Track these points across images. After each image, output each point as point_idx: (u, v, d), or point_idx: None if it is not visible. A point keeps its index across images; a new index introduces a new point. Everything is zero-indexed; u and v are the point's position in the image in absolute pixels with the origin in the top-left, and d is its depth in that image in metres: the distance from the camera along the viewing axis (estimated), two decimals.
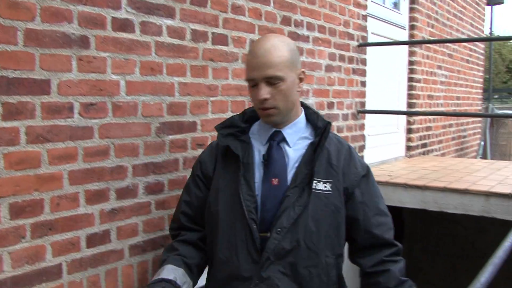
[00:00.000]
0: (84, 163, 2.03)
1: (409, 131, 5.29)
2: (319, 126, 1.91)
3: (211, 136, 2.64)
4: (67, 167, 1.96)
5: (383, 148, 4.82)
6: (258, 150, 1.92)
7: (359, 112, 4.11)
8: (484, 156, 7.23)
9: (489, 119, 6.60)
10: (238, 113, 2.03)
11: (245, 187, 1.84)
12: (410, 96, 5.28)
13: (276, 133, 1.91)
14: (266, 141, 1.93)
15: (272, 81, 1.78)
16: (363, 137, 4.22)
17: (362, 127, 4.20)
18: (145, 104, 2.27)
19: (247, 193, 1.83)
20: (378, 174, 4.13)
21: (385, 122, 4.88)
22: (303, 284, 1.81)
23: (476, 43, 7.29)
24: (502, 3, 10.83)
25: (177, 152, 2.45)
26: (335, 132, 3.81)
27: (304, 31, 3.37)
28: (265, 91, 1.79)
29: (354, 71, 4.04)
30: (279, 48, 1.80)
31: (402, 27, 5.15)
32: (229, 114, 2.74)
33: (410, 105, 5.27)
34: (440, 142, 6.10)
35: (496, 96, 19.50)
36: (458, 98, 6.64)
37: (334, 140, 1.95)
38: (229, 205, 1.87)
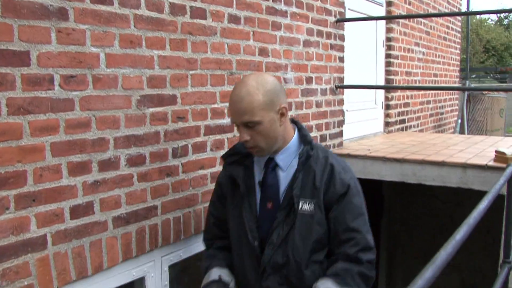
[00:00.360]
0: (66, 135, 2.04)
1: (388, 107, 5.37)
2: (304, 151, 2.09)
3: (191, 109, 2.66)
4: (49, 138, 1.98)
5: (362, 124, 4.90)
6: (258, 173, 2.15)
7: (337, 87, 4.15)
8: (461, 132, 7.37)
9: (466, 96, 6.71)
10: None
11: (248, 210, 2.12)
12: (388, 72, 5.35)
13: (270, 159, 2.12)
14: (263, 166, 2.13)
15: (250, 124, 1.98)
16: (342, 112, 4.28)
17: (341, 102, 4.25)
18: (125, 77, 2.28)
19: (250, 215, 2.11)
20: (357, 148, 4.20)
21: (364, 98, 4.95)
22: None
23: (453, 21, 7.37)
24: None
25: (158, 125, 2.48)
26: (315, 107, 3.86)
27: (282, 6, 3.40)
28: (244, 134, 2.01)
29: (332, 47, 4.08)
30: (254, 93, 1.97)
31: (380, 4, 5.20)
32: (208, 88, 2.77)
33: (388, 81, 5.34)
34: (418, 118, 6.19)
35: (473, 76, 19.75)
36: (435, 75, 6.73)
37: (322, 160, 2.10)
38: (237, 223, 2.16)
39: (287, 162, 2.11)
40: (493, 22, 45.97)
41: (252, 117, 1.96)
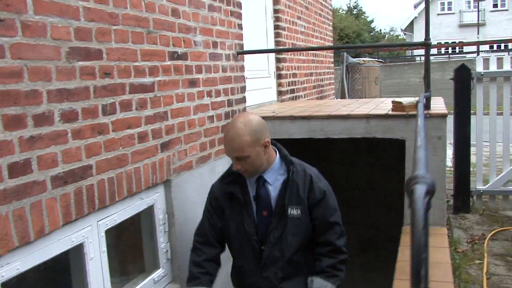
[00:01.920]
0: None
1: (279, 76, 5.57)
2: (288, 166, 2.66)
3: (116, 65, 2.56)
4: None
5: (259, 92, 5.02)
6: (251, 189, 2.69)
7: (238, 53, 4.22)
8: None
9: (345, 67, 7.18)
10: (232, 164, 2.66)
11: (247, 219, 2.67)
12: (277, 43, 5.54)
13: (259, 177, 2.67)
14: (255, 181, 2.68)
15: (240, 158, 2.52)
16: (243, 78, 4.36)
17: (242, 68, 4.33)
18: (54, 26, 2.13)
19: (249, 223, 2.67)
20: (261, 113, 4.31)
21: (258, 67, 5.08)
22: (290, 278, 2.67)
23: None
24: None
25: (88, 79, 2.35)
26: (221, 72, 3.89)
27: None
28: (237, 165, 2.56)
29: (232, 13, 4.14)
30: (242, 135, 2.49)
31: None
32: (130, 45, 2.68)
33: (278, 55, 5.53)
34: (304, 89, 6.49)
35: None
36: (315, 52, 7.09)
37: (301, 173, 2.65)
38: (237, 230, 2.71)
39: (274, 178, 2.67)
40: (344, 12, 49.22)
41: (241, 153, 2.51)
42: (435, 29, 35.01)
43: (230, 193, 2.71)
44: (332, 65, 8.22)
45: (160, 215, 3.07)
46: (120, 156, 2.58)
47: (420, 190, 1.32)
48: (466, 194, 4.85)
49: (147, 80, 2.84)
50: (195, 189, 3.37)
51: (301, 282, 2.70)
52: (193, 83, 3.41)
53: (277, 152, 2.72)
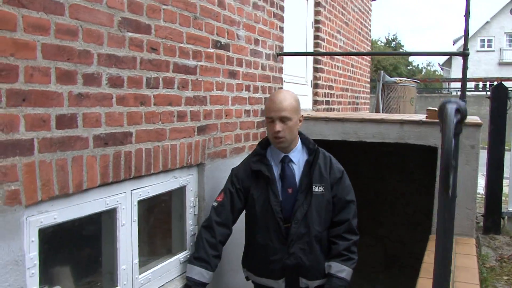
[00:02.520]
0: (56, 39, 1.97)
1: (316, 86, 5.62)
2: (311, 148, 2.88)
3: (162, 43, 2.66)
4: (41, 39, 1.90)
5: None
6: (276, 168, 2.87)
7: (278, 54, 4.30)
8: None
9: (381, 86, 7.19)
10: (258, 144, 2.99)
11: (272, 196, 2.80)
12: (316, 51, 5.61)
13: (285, 157, 2.86)
14: (279, 162, 2.87)
15: (284, 119, 2.73)
16: (281, 80, 4.43)
17: (281, 70, 4.40)
18: None
19: (274, 200, 2.80)
20: None
21: (296, 74, 5.14)
22: (315, 253, 2.80)
23: (365, 18, 7.88)
24: None
25: (135, 51, 2.45)
26: (260, 69, 3.97)
27: None
28: (279, 126, 2.73)
29: (275, 15, 4.24)
30: (290, 99, 2.79)
31: None
32: (177, 26, 2.78)
33: (316, 61, 5.60)
34: (339, 103, 6.53)
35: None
36: (352, 65, 7.14)
37: (321, 156, 2.87)
38: (263, 209, 2.82)
39: (298, 158, 2.87)
40: (383, 44, 49.23)
41: (287, 114, 2.73)
42: (473, 66, 34.73)
43: (256, 172, 2.86)
44: (368, 85, 8.24)
45: (191, 197, 3.13)
46: (159, 130, 2.67)
47: (451, 106, 1.41)
48: (497, 214, 4.77)
49: (190, 62, 2.94)
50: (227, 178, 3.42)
51: (323, 261, 2.86)
52: (233, 74, 3.49)
53: (299, 137, 2.93)
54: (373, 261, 5.94)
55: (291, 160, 2.87)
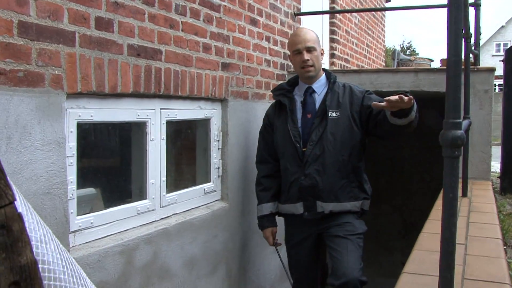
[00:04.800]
0: None
1: (332, 56, 5.76)
2: (331, 81, 3.03)
3: None
4: None
5: None
6: (299, 98, 3.06)
7: (296, 14, 4.45)
8: None
9: (396, 64, 7.31)
10: (284, 82, 3.27)
11: (291, 122, 3.00)
12: (332, 24, 5.76)
13: (308, 88, 3.04)
14: (303, 94, 3.05)
15: (310, 49, 2.96)
16: None
17: None
18: None
19: (293, 126, 2.99)
20: None
21: None
22: (329, 174, 2.89)
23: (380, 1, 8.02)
24: None
25: None
26: (279, 24, 4.12)
27: None
28: (307, 55, 2.96)
29: None
30: (310, 32, 3.05)
31: None
32: None
33: (332, 32, 5.74)
34: None
35: None
36: (368, 45, 7.27)
37: (341, 86, 3.03)
38: (282, 135, 3.03)
39: (320, 89, 3.04)
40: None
41: (312, 44, 2.97)
42: None
43: (280, 104, 3.10)
44: (384, 65, 8.36)
45: (215, 131, 3.27)
46: (186, 55, 2.82)
47: None
48: None
49: (215, 0, 3.10)
50: (249, 119, 3.56)
51: (343, 186, 2.92)
52: (254, 22, 3.64)
53: (323, 72, 3.12)
54: (391, 230, 6.01)
55: (314, 91, 3.04)
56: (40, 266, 0.68)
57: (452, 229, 1.23)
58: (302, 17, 4.63)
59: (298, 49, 2.98)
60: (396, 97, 2.38)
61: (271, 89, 3.86)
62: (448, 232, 1.23)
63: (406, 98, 2.38)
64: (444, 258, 1.26)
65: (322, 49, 3.11)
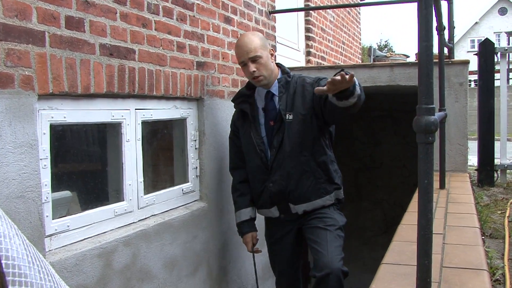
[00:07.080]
0: None
1: (308, 53, 5.77)
2: (284, 80, 2.90)
3: None
4: None
5: (288, 61, 5.19)
6: (261, 106, 2.97)
7: (271, 12, 4.45)
8: None
9: (372, 61, 7.38)
10: (243, 87, 3.10)
11: (254, 132, 2.95)
12: (307, 22, 5.77)
13: (268, 92, 2.94)
14: (263, 99, 2.95)
15: (254, 59, 2.81)
16: (275, 38, 4.57)
17: (274, 28, 4.55)
18: None
19: (256, 135, 2.94)
20: (289, 63, 4.49)
21: (289, 37, 5.28)
22: (295, 178, 2.85)
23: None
24: None
25: None
26: (254, 22, 4.12)
27: None
28: (252, 67, 2.82)
29: None
30: (253, 38, 2.85)
31: None
32: None
33: (308, 29, 5.75)
34: None
35: None
36: (343, 43, 7.31)
37: (297, 79, 2.90)
38: (247, 144, 3.00)
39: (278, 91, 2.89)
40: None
41: (255, 53, 2.80)
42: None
43: (241, 111, 3.03)
44: (360, 62, 8.41)
45: (192, 131, 3.24)
46: (160, 55, 2.79)
47: None
48: (490, 167, 4.89)
49: None
50: (225, 118, 3.54)
51: (310, 186, 2.86)
52: (228, 20, 3.63)
53: (280, 69, 2.99)
54: (373, 226, 6.05)
55: (273, 94, 2.93)
56: (3, 261, 0.66)
57: (428, 215, 1.23)
58: (276, 15, 4.63)
59: (243, 61, 2.86)
60: (338, 77, 2.23)
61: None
62: (424, 218, 1.24)
63: (347, 76, 2.23)
64: (422, 245, 1.26)
65: (271, 49, 2.95)
